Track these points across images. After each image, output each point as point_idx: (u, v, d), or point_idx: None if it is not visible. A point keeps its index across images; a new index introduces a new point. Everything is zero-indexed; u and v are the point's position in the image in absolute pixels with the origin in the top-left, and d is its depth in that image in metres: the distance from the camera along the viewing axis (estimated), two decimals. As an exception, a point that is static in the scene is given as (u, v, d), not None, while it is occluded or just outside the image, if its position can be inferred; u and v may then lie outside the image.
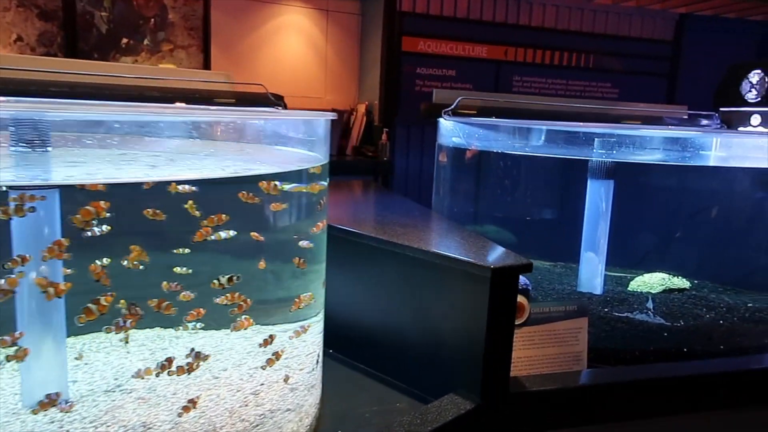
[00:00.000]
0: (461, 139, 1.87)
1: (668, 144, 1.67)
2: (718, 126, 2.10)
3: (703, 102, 2.55)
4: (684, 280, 2.03)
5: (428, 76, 4.55)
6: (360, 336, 1.43)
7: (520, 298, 1.38)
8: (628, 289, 2.01)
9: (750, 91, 2.12)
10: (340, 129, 4.53)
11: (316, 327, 1.17)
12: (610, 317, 1.64)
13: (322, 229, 1.17)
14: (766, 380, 1.49)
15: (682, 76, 5.36)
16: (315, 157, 1.15)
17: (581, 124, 1.87)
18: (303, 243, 1.11)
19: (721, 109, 2.10)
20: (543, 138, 1.83)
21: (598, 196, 1.82)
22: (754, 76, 2.10)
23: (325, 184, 1.19)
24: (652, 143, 1.81)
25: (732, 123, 2.07)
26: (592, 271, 1.86)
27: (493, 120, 1.83)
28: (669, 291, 1.98)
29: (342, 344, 1.46)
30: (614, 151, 1.77)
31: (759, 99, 2.10)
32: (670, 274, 2.18)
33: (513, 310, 1.23)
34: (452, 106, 1.81)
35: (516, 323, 1.38)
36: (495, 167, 1.95)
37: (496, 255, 1.23)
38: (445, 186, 2.03)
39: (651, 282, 2.04)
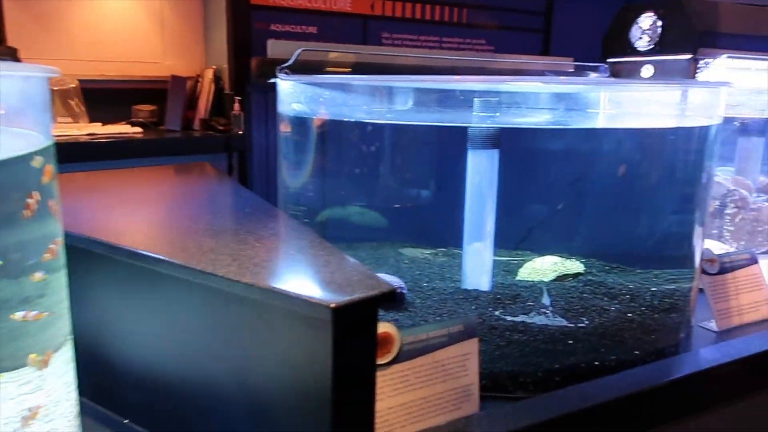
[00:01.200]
0: (305, 104, 1.42)
1: (564, 102, 1.34)
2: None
3: (584, 56, 2.28)
4: (577, 262, 1.74)
5: (285, 34, 3.99)
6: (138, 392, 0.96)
7: (386, 328, 0.97)
8: (518, 278, 1.69)
9: (641, 38, 1.85)
10: (184, 99, 3.88)
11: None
12: (504, 325, 1.29)
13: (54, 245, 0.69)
14: (691, 386, 1.22)
15: (558, 30, 5.21)
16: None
17: (458, 78, 1.48)
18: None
19: (609, 59, 1.82)
20: (411, 99, 1.43)
21: (480, 170, 1.45)
22: (645, 20, 1.83)
23: (49, 175, 0.70)
24: (544, 101, 1.46)
25: (621, 76, 1.80)
26: (478, 264, 1.50)
27: (344, 78, 1.38)
28: (563, 278, 1.68)
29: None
30: (498, 114, 1.40)
31: (652, 47, 1.84)
32: (561, 256, 1.89)
33: (371, 353, 0.82)
34: (290, 61, 1.34)
35: (381, 363, 0.97)
36: (351, 139, 1.51)
37: (343, 281, 0.80)
38: (291, 165, 1.58)
39: (542, 268, 1.73)
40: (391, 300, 0.88)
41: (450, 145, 1.52)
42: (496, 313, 1.36)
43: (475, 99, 1.39)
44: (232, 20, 3.84)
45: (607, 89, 1.45)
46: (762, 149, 2.08)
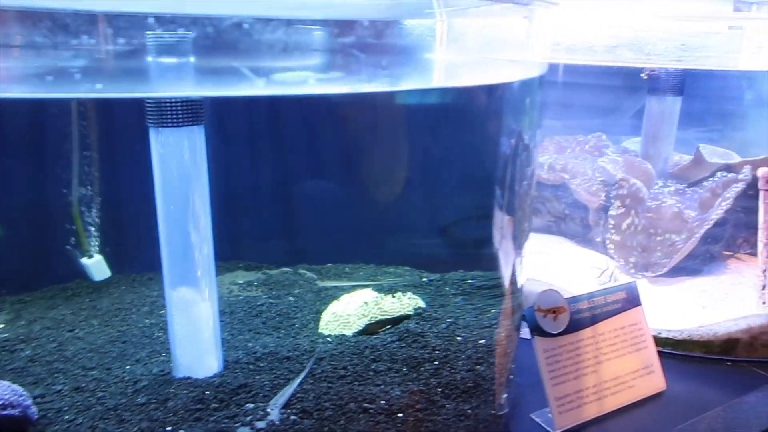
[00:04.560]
0: None
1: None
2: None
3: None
4: (405, 296, 1.12)
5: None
6: None
7: None
8: (321, 329, 1.05)
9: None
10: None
11: None
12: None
13: None
14: None
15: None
16: None
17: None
18: None
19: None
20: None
21: (174, 164, 0.78)
22: None
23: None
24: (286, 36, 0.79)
25: None
26: (189, 327, 0.85)
27: None
28: (378, 326, 1.06)
29: None
30: (191, 59, 0.72)
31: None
32: (382, 280, 1.27)
33: None
34: None
35: None
36: None
37: None
38: None
39: (346, 314, 1.10)
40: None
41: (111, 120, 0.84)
42: None
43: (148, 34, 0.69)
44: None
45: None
46: (677, 114, 1.50)
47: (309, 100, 1.14)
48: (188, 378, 0.84)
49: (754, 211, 1.16)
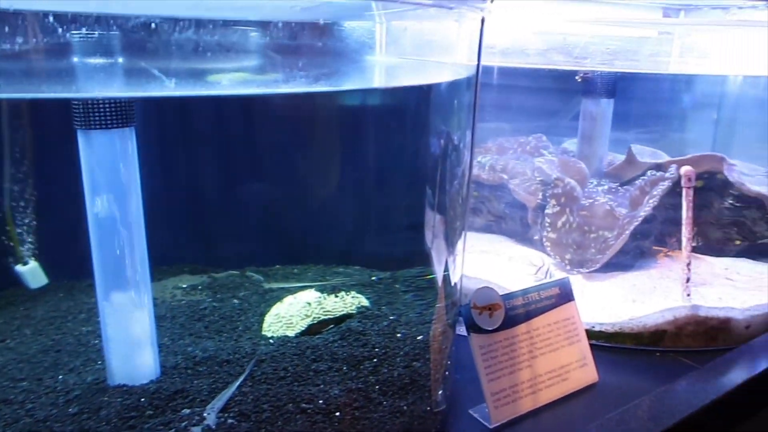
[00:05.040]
0: None
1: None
2: None
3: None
4: (349, 295, 1.13)
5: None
6: None
7: None
8: (265, 331, 1.05)
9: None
10: None
11: None
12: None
13: None
14: None
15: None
16: None
17: None
18: None
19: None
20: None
21: (107, 164, 0.77)
22: None
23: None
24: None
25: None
26: (123, 334, 0.83)
27: None
28: (321, 325, 1.06)
29: None
30: (120, 60, 0.71)
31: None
32: (327, 281, 1.28)
33: None
34: None
35: None
36: None
37: None
38: None
39: (289, 315, 1.10)
40: None
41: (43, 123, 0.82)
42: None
43: (72, 34, 0.68)
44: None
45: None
46: (610, 115, 1.56)
47: (249, 101, 1.13)
48: (123, 386, 0.82)
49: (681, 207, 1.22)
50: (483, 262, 1.35)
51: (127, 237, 0.79)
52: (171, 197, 1.16)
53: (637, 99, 1.71)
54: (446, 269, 0.90)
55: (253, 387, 0.82)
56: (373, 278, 1.26)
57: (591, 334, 1.15)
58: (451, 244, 0.90)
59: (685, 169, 1.11)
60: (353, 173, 1.22)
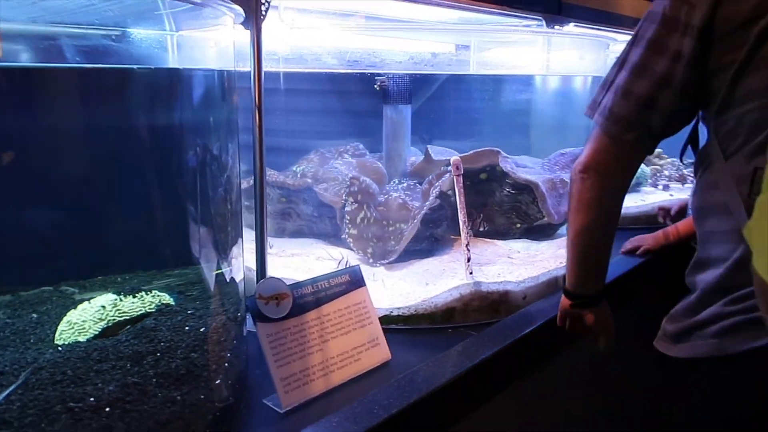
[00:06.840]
0: None
1: None
2: None
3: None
4: (149, 296, 1.11)
5: None
6: None
7: None
8: (57, 340, 1.00)
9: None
10: None
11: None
12: None
13: None
14: None
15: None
16: None
17: None
18: None
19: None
20: None
21: None
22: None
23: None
24: None
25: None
26: None
27: None
28: (117, 327, 1.04)
29: None
30: None
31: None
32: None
33: None
34: None
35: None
36: None
37: None
38: None
39: (82, 320, 1.06)
40: None
41: None
42: None
43: None
44: None
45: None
46: (409, 119, 1.69)
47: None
48: None
49: (468, 196, 1.35)
50: (292, 264, 1.39)
51: None
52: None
53: (438, 103, 1.87)
54: (219, 267, 0.94)
55: (23, 394, 0.79)
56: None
57: (390, 318, 1.23)
58: (223, 249, 0.93)
59: (453, 159, 1.24)
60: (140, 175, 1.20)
